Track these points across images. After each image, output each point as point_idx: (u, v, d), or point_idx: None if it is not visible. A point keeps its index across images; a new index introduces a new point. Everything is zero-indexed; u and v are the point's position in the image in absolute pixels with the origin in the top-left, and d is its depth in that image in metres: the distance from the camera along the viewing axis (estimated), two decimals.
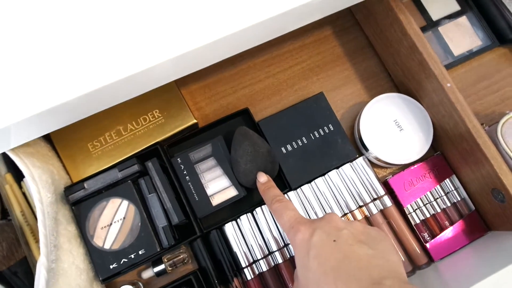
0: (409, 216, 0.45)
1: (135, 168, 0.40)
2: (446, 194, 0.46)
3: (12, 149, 0.35)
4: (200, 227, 0.42)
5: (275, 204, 0.36)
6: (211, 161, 0.45)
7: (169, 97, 0.46)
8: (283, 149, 0.46)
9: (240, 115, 0.48)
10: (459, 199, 0.46)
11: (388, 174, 0.49)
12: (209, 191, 0.44)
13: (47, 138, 0.43)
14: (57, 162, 0.42)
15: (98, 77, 0.30)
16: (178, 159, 0.44)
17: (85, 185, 0.40)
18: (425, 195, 0.46)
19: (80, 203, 0.40)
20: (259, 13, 0.32)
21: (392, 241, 0.32)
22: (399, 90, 0.51)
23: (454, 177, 0.47)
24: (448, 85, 0.42)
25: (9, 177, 0.39)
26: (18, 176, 0.40)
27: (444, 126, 0.45)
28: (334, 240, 0.30)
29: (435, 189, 0.46)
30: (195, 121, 0.45)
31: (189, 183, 0.44)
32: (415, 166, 0.46)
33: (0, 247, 0.35)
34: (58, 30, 0.31)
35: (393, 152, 0.46)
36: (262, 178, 0.41)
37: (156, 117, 0.45)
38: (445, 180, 0.46)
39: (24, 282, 0.37)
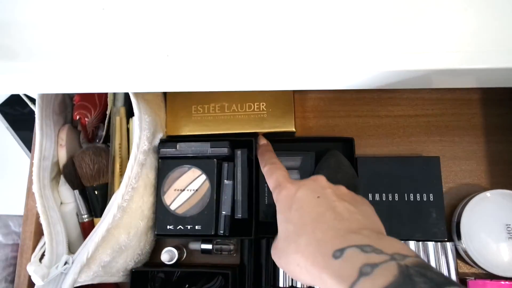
0: None
1: (225, 151, 0.41)
2: None
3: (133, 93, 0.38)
4: (256, 231, 0.42)
5: (268, 166, 0.37)
6: (295, 174, 0.44)
7: (281, 97, 0.45)
8: (370, 195, 0.43)
9: (342, 142, 0.46)
10: None
11: (470, 274, 0.43)
12: None
13: None
14: (163, 114, 0.45)
15: None
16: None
17: (178, 146, 0.42)
18: None
19: (167, 159, 0.42)
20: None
21: (374, 209, 0.32)
22: None
23: None
24: None
25: (122, 110, 0.43)
26: (130, 112, 0.43)
27: None
28: (318, 196, 0.31)
29: None
30: (293, 129, 0.44)
31: (266, 185, 0.44)
32: (507, 282, 0.40)
33: (92, 167, 0.40)
34: None
35: (489, 256, 0.40)
36: (262, 141, 0.43)
37: (261, 109, 0.45)
38: None
39: (99, 203, 0.41)
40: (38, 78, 0.34)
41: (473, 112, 0.47)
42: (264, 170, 0.38)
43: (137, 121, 0.38)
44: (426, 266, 0.24)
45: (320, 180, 0.33)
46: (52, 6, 0.34)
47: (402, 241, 0.27)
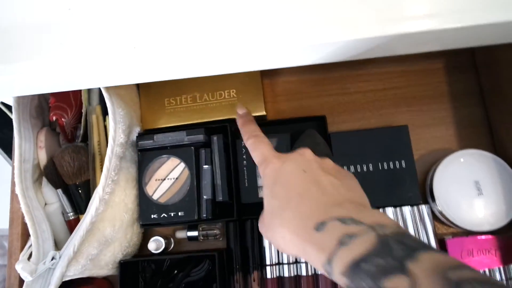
0: None
1: (201, 137, 0.43)
2: (508, 279, 0.41)
3: (106, 87, 0.39)
4: (239, 212, 0.43)
5: (251, 139, 0.36)
6: None
7: (250, 83, 0.47)
8: (345, 167, 0.45)
9: (315, 121, 0.47)
10: None
11: (448, 234, 0.44)
12: (259, 182, 0.44)
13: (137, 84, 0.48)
14: (138, 109, 0.46)
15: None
16: (242, 142, 0.45)
17: (155, 137, 0.43)
18: (481, 271, 0.41)
19: (145, 151, 0.43)
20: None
21: (358, 183, 0.33)
22: (495, 151, 0.45)
23: None
24: None
25: (98, 108, 0.44)
26: (106, 110, 0.44)
27: None
28: (304, 171, 0.31)
29: (497, 270, 0.41)
30: (264, 113, 0.46)
31: (244, 168, 0.45)
32: (482, 237, 0.42)
33: (72, 165, 0.41)
34: None
35: (463, 214, 0.41)
36: (241, 110, 0.40)
37: (231, 96, 0.47)
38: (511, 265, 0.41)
39: (82, 200, 0.42)
40: (9, 81, 0.35)
41: (438, 80, 0.49)
42: (248, 143, 0.37)
43: (111, 115, 0.39)
44: (404, 234, 0.25)
45: (306, 153, 0.33)
46: (18, 8, 0.35)
47: (383, 212, 0.27)
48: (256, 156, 0.35)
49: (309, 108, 0.49)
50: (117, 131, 0.39)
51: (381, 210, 0.43)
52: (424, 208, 0.42)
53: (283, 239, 0.29)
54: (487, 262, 0.41)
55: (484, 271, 0.41)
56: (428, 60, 0.49)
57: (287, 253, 0.32)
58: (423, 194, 0.45)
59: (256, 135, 0.36)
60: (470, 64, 0.49)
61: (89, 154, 0.42)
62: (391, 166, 0.44)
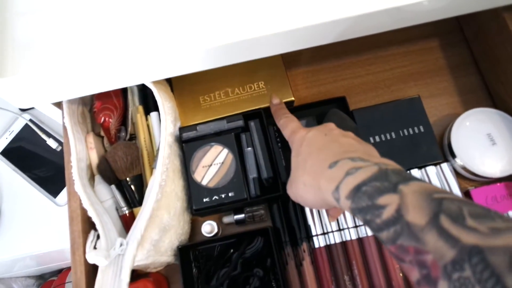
0: None
1: (240, 123, 0.46)
2: None
3: (152, 83, 0.43)
4: (283, 188, 0.47)
5: (283, 119, 0.42)
6: None
7: (275, 73, 0.51)
8: (371, 138, 0.49)
9: (336, 102, 0.52)
10: None
11: (470, 187, 0.49)
12: None
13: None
14: (176, 105, 0.49)
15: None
16: (275, 127, 0.49)
17: (197, 128, 0.46)
18: (507, 214, 0.46)
19: (189, 142, 0.46)
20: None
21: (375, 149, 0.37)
22: (498, 109, 0.51)
23: None
24: None
25: (140, 108, 0.47)
26: (147, 110, 0.48)
27: None
28: (326, 134, 0.36)
29: None
30: (293, 98, 0.50)
31: (280, 150, 0.49)
32: (502, 183, 0.46)
33: (125, 159, 0.43)
34: None
35: (481, 163, 0.46)
36: (275, 100, 0.48)
37: (261, 87, 0.51)
38: None
39: (135, 194, 0.44)
40: (64, 85, 0.39)
41: (436, 57, 0.55)
42: (280, 123, 0.43)
43: (161, 106, 0.42)
44: (402, 170, 0.30)
45: (329, 124, 0.39)
46: (52, 20, 0.39)
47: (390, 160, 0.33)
48: (286, 132, 0.41)
49: (328, 93, 0.54)
50: (167, 121, 0.42)
51: (408, 171, 0.47)
52: (446, 165, 0.47)
53: (304, 185, 0.35)
54: (508, 206, 0.46)
55: (508, 214, 0.46)
56: (424, 40, 0.56)
57: (307, 203, 0.36)
58: (443, 153, 0.50)
59: (286, 116, 0.43)
60: (460, 39, 0.55)
61: (139, 149, 0.45)
62: (411, 132, 0.49)
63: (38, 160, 0.65)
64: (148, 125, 0.47)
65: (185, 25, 0.38)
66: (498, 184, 0.47)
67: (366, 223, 0.28)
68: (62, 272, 0.78)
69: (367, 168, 0.29)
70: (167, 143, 0.42)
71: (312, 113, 0.52)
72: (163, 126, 0.42)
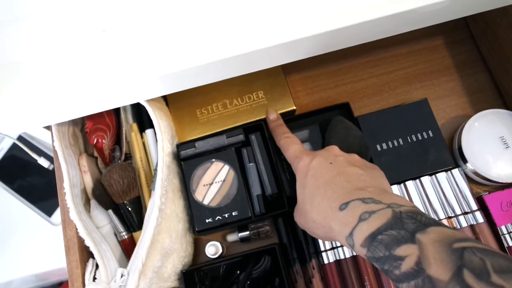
0: (502, 237, 0.43)
1: (241, 137, 0.44)
2: None
3: (146, 101, 0.40)
4: (288, 203, 0.45)
5: (283, 140, 0.40)
6: (307, 146, 0.47)
7: (275, 82, 0.49)
8: (378, 146, 0.47)
9: (339, 109, 0.50)
10: None
11: (483, 192, 0.47)
12: None
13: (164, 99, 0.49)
14: (172, 122, 0.47)
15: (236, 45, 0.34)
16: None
17: (196, 144, 0.44)
18: None
19: (188, 160, 0.44)
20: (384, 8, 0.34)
21: (384, 174, 0.36)
22: (508, 108, 0.49)
23: None
24: None
25: (135, 126, 0.44)
26: (141, 128, 0.45)
27: None
28: (331, 163, 0.35)
29: None
30: (294, 107, 0.48)
31: (284, 162, 0.47)
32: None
33: (122, 182, 0.41)
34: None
35: (494, 168, 0.44)
36: (272, 115, 0.45)
37: (260, 97, 0.49)
38: None
39: (134, 217, 0.42)
40: (53, 108, 0.36)
41: (441, 55, 0.53)
42: (280, 144, 0.41)
43: (157, 126, 0.40)
44: (418, 212, 0.28)
45: (333, 149, 0.37)
46: (44, 41, 0.36)
47: (402, 196, 0.31)
48: (288, 156, 0.39)
49: (330, 99, 0.52)
50: (164, 141, 0.40)
51: (417, 180, 0.45)
52: (457, 171, 0.45)
53: (314, 222, 0.33)
54: None
55: None
56: (428, 39, 0.53)
57: (317, 237, 0.36)
58: (453, 159, 0.48)
59: (287, 136, 0.41)
60: (466, 36, 0.53)
61: (135, 170, 0.43)
62: (420, 137, 0.47)
63: (30, 179, 0.62)
64: (144, 143, 0.45)
65: (176, 42, 0.35)
66: None
67: (384, 272, 0.26)
68: (62, 286, 0.76)
69: (381, 213, 0.28)
70: (165, 164, 0.40)
71: (315, 121, 0.49)
72: (160, 147, 0.40)
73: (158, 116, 0.41)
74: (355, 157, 0.36)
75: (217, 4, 0.36)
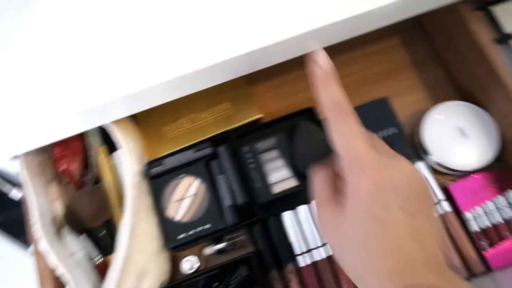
0: (468, 223, 0.45)
1: (209, 150, 0.45)
2: (510, 205, 0.45)
3: (111, 123, 0.41)
4: (260, 211, 0.45)
5: (333, 113, 0.26)
6: (275, 153, 0.48)
7: (239, 93, 0.50)
8: None
9: (304, 114, 0.51)
10: None
11: (448, 182, 0.49)
12: (270, 180, 0.47)
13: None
14: (141, 142, 0.47)
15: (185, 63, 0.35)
16: (246, 148, 0.48)
17: (164, 162, 0.44)
18: (486, 205, 0.45)
19: (158, 177, 0.44)
20: (340, 12, 0.36)
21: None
22: (465, 100, 0.51)
23: None
24: None
25: (102, 149, 0.45)
26: (110, 150, 0.45)
27: None
28: (402, 208, 0.24)
29: (498, 200, 0.45)
30: (260, 115, 0.49)
31: (253, 171, 0.47)
32: (478, 175, 0.46)
33: (91, 207, 0.41)
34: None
35: (455, 158, 0.46)
36: (321, 57, 0.27)
37: (226, 109, 0.49)
38: (510, 191, 0.46)
39: (107, 241, 0.42)
40: (17, 138, 0.36)
41: (398, 55, 0.55)
42: (331, 118, 0.26)
43: (125, 146, 0.40)
44: None
45: (416, 174, 0.26)
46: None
47: (466, 281, 0.25)
48: (342, 147, 0.25)
49: (296, 104, 0.53)
50: (132, 160, 0.40)
51: None
52: (421, 164, 0.47)
53: (363, 283, 0.25)
54: (489, 195, 0.45)
55: (488, 204, 0.45)
56: (386, 39, 0.55)
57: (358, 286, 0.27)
58: (417, 152, 0.49)
59: (344, 111, 0.26)
60: (421, 34, 0.55)
61: (105, 193, 0.43)
62: (384, 134, 0.48)
63: (4, 211, 0.62)
64: (113, 165, 0.45)
65: (134, 62, 0.36)
66: (475, 176, 0.46)
67: None
68: None
69: None
70: (135, 184, 0.40)
71: (281, 128, 0.50)
72: (129, 167, 0.40)
73: (124, 136, 0.41)
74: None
75: (174, 21, 0.37)
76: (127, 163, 0.40)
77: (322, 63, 0.27)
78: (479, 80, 0.46)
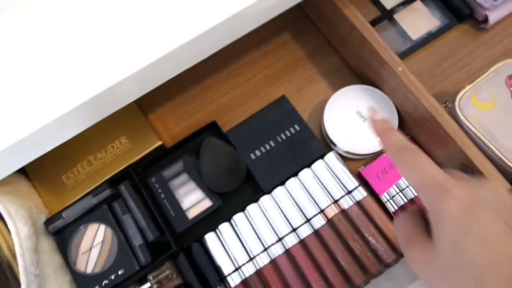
0: (386, 204, 0.45)
1: (108, 192, 0.42)
2: None
3: None
4: (177, 241, 0.43)
5: (401, 152, 0.26)
6: (184, 176, 0.47)
7: (134, 123, 0.48)
8: (252, 155, 0.47)
9: (208, 130, 0.50)
10: None
11: (361, 166, 0.48)
12: (184, 205, 0.45)
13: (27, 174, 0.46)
14: (37, 198, 0.44)
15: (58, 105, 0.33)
16: (152, 178, 0.46)
17: (63, 214, 0.42)
18: (399, 182, 0.45)
19: (60, 232, 0.42)
20: (209, 19, 0.34)
21: None
22: (362, 82, 0.51)
23: None
24: (400, 68, 0.42)
25: None
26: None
27: (406, 110, 0.45)
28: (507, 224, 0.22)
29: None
30: (160, 142, 0.47)
31: (164, 200, 0.45)
32: (386, 154, 0.46)
33: None
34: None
35: (360, 142, 0.46)
36: (376, 114, 0.29)
37: (123, 143, 0.47)
38: None
39: None
40: None
41: (293, 49, 0.54)
42: (398, 157, 0.26)
43: (5, 213, 0.37)
44: None
45: (499, 191, 0.24)
46: None
47: None
48: (417, 180, 0.25)
49: (200, 121, 0.52)
50: (17, 225, 0.37)
51: (298, 176, 0.46)
52: (331, 155, 0.46)
53: None
54: (398, 174, 0.46)
55: (401, 181, 0.46)
56: (277, 37, 0.55)
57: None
58: (326, 145, 0.49)
59: (409, 147, 0.26)
60: (309, 25, 0.55)
61: (4, 264, 0.40)
62: (288, 134, 0.48)
63: None
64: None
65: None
66: (383, 155, 0.46)
67: None
68: None
69: None
70: (26, 249, 0.37)
71: (188, 149, 0.49)
72: (14, 233, 0.37)
73: (5, 201, 0.38)
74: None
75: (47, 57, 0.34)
76: (12, 229, 0.37)
77: (379, 117, 0.29)
78: (366, 60, 0.47)
